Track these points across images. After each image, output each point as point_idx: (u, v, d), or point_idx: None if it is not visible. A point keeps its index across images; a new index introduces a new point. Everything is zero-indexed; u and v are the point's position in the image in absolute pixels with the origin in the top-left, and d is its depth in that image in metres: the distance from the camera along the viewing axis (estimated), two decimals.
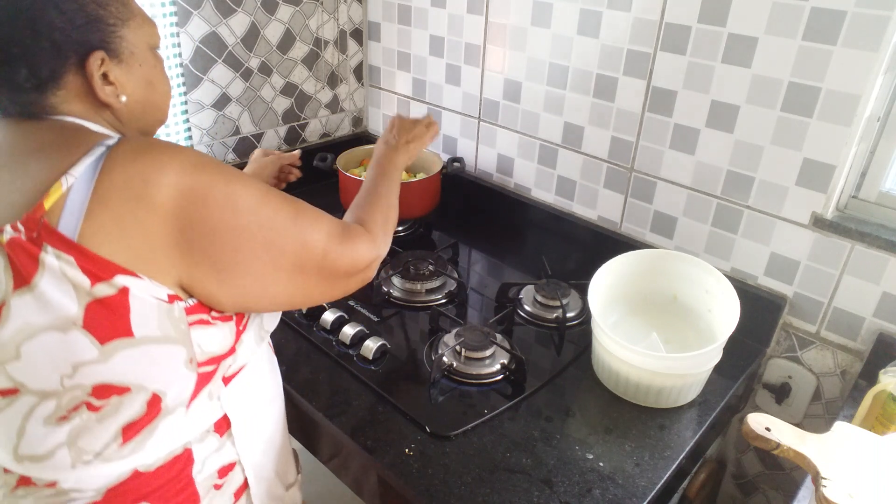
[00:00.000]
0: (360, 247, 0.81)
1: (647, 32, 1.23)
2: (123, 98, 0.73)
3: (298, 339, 1.19)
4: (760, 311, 1.21)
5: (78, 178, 0.61)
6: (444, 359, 1.11)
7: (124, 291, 0.62)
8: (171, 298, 0.66)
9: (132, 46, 0.72)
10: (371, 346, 1.13)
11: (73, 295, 0.61)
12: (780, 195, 1.15)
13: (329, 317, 1.20)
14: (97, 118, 0.72)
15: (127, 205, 0.62)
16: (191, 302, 0.69)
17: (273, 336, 0.99)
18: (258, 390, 0.88)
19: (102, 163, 0.62)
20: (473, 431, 0.99)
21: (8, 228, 0.60)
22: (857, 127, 1.04)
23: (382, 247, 0.87)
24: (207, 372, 0.73)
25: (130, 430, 0.68)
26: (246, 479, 0.85)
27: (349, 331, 1.17)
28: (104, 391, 0.65)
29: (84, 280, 0.61)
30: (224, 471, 0.81)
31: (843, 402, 1.14)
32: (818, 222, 1.12)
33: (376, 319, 1.26)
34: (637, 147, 1.33)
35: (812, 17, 1.03)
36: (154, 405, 0.68)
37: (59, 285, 0.60)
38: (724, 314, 1.07)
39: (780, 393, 1.26)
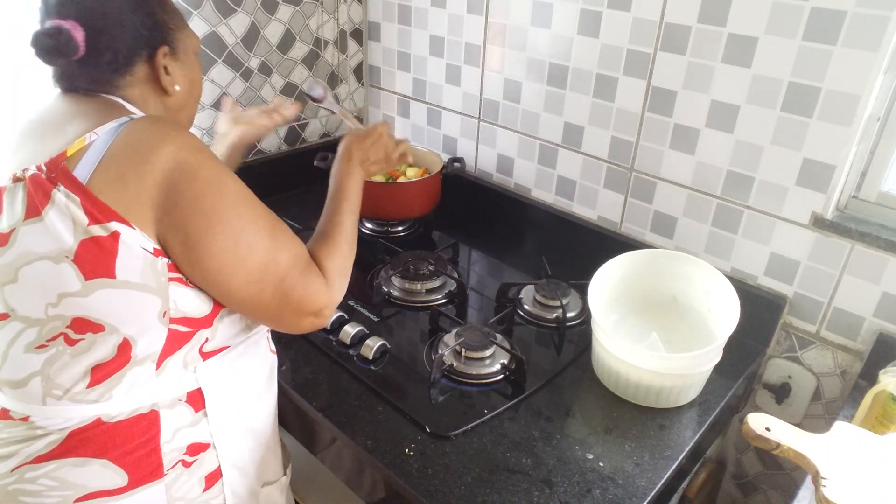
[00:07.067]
0: (314, 285, 0.84)
1: (647, 32, 1.23)
2: (177, 87, 0.87)
3: (298, 339, 1.19)
4: (760, 311, 1.21)
5: (100, 136, 0.73)
6: (444, 359, 1.11)
7: (115, 236, 0.70)
8: (157, 252, 0.73)
9: (185, 48, 0.88)
10: (371, 346, 1.13)
11: (72, 230, 0.70)
12: (780, 195, 1.15)
13: None
14: (144, 106, 0.84)
15: (131, 162, 0.72)
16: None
17: (273, 335, 0.99)
18: (245, 380, 0.90)
19: (122, 128, 0.74)
20: (473, 431, 1.00)
21: (33, 168, 0.72)
22: (857, 127, 1.04)
23: (337, 293, 0.88)
24: (181, 333, 0.77)
25: (99, 372, 0.74)
26: (220, 467, 0.86)
27: (349, 331, 1.17)
28: (81, 325, 0.72)
29: (83, 218, 0.69)
30: (195, 449, 0.83)
31: (843, 402, 1.14)
32: (818, 222, 1.12)
33: (376, 319, 1.26)
34: (637, 147, 1.33)
35: (812, 17, 1.03)
36: (124, 350, 0.74)
37: (62, 219, 0.70)
38: (724, 314, 1.07)
39: (780, 393, 1.26)
